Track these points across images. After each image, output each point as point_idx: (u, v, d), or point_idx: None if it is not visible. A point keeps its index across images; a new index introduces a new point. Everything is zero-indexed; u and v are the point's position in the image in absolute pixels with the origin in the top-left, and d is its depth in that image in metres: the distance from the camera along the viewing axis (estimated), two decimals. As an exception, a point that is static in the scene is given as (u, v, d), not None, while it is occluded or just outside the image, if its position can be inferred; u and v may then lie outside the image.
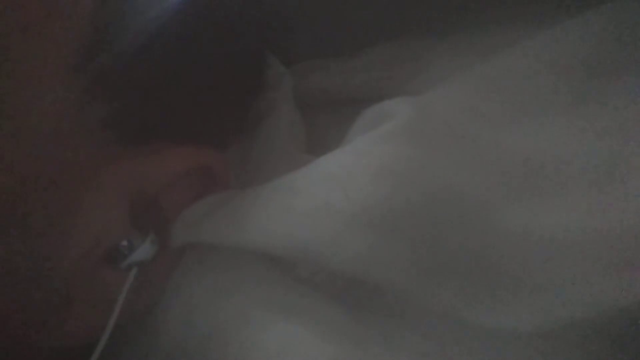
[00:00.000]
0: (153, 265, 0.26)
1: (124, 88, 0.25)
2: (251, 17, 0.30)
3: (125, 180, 0.25)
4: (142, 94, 0.25)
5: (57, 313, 0.25)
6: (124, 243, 0.26)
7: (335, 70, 0.34)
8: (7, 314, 0.25)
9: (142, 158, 0.26)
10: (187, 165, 0.27)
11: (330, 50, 0.35)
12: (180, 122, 0.27)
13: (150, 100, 0.26)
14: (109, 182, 0.25)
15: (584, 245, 0.23)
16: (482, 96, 0.26)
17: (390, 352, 0.23)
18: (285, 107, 0.31)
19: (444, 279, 0.23)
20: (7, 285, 0.24)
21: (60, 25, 0.23)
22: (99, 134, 0.24)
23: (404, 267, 0.23)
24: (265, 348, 0.23)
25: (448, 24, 0.32)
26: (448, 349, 0.23)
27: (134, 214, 0.26)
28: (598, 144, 0.25)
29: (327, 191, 0.24)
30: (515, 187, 0.25)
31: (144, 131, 0.26)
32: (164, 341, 0.26)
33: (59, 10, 0.23)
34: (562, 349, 0.23)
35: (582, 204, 0.24)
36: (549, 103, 0.26)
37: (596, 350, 0.23)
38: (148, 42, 0.25)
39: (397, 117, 0.25)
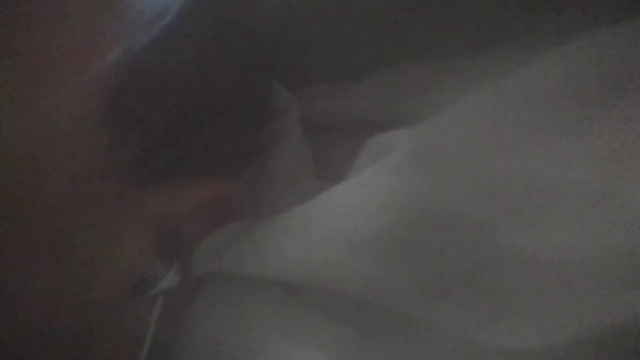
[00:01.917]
0: (176, 294, 0.28)
1: (149, 130, 0.27)
2: (258, 47, 0.32)
3: (150, 214, 0.27)
4: (163, 134, 0.27)
5: (88, 344, 0.27)
6: (150, 273, 0.27)
7: (339, 95, 0.35)
8: (41, 346, 0.26)
9: (165, 192, 0.27)
10: (207, 196, 0.28)
11: (335, 75, 0.36)
12: (199, 155, 0.29)
13: (171, 138, 0.27)
14: (135, 217, 0.27)
15: (583, 266, 0.24)
16: (480, 123, 0.27)
17: None
18: (292, 133, 0.33)
19: (451, 301, 0.24)
20: (41, 319, 0.26)
21: (89, 77, 0.25)
22: (127, 173, 0.26)
23: (412, 291, 0.25)
24: None
25: (450, 47, 0.33)
26: None
27: (158, 245, 0.27)
28: (596, 166, 0.26)
29: (337, 221, 0.25)
30: (515, 210, 0.26)
31: (167, 167, 0.27)
32: None
33: (89, 63, 0.25)
34: None
35: (580, 226, 0.25)
36: (548, 127, 0.27)
37: None
38: (167, 83, 0.27)
39: (400, 148, 0.26)
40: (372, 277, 0.25)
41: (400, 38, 0.35)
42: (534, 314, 0.24)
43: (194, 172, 0.28)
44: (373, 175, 0.26)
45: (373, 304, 0.25)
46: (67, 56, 0.25)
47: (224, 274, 0.28)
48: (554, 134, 0.27)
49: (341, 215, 0.26)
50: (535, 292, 0.25)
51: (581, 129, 0.27)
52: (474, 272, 0.25)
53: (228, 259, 0.27)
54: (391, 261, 0.25)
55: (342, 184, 0.27)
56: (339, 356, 0.25)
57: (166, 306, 0.27)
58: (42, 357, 0.26)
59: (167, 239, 0.28)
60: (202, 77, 0.28)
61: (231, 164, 0.31)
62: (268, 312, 0.26)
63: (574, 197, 0.26)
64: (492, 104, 0.28)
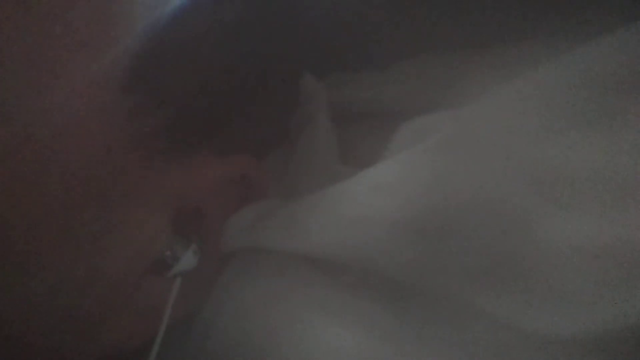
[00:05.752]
0: (196, 274, 0.27)
1: (171, 101, 0.26)
2: (286, 35, 0.32)
3: (169, 190, 0.26)
4: (187, 106, 0.26)
5: (105, 321, 0.26)
6: (168, 253, 0.27)
7: (367, 83, 0.35)
8: (57, 322, 0.26)
9: (186, 168, 0.27)
10: (229, 174, 0.28)
11: (362, 63, 0.36)
12: (223, 133, 0.28)
13: (195, 112, 0.27)
14: (154, 193, 0.26)
15: (617, 255, 0.24)
16: (519, 110, 0.27)
17: (440, 357, 0.24)
18: (321, 119, 0.33)
19: (487, 286, 0.24)
20: (58, 293, 0.25)
21: (112, 45, 0.24)
22: (147, 146, 0.25)
23: (452, 273, 0.24)
24: (320, 350, 0.24)
25: (480, 38, 0.33)
26: (495, 352, 0.24)
27: (177, 223, 0.27)
28: (630, 158, 0.26)
29: (378, 200, 0.25)
30: (549, 198, 0.25)
31: (188, 142, 0.27)
32: (214, 344, 0.27)
33: (112, 30, 0.24)
34: (601, 353, 0.24)
35: (615, 215, 0.25)
36: (584, 118, 0.27)
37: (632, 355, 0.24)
38: (193, 57, 0.26)
39: (442, 130, 0.26)
40: (413, 258, 0.24)
41: (427, 27, 0.35)
42: (568, 301, 0.24)
43: (217, 149, 0.28)
44: (415, 155, 0.26)
45: (410, 285, 0.25)
46: (89, 22, 0.24)
47: (253, 251, 0.27)
48: (590, 125, 0.27)
49: (382, 194, 0.25)
50: (569, 281, 0.24)
51: (619, 119, 0.27)
52: (513, 257, 0.25)
53: (262, 235, 0.27)
54: (433, 242, 0.24)
55: (380, 163, 0.27)
56: (372, 336, 0.25)
57: (185, 285, 0.27)
58: (51, 331, 0.26)
59: (186, 217, 0.27)
60: (228, 51, 0.28)
61: (256, 145, 0.31)
62: (301, 289, 0.26)
63: (608, 187, 0.26)
64: (528, 93, 0.28)
